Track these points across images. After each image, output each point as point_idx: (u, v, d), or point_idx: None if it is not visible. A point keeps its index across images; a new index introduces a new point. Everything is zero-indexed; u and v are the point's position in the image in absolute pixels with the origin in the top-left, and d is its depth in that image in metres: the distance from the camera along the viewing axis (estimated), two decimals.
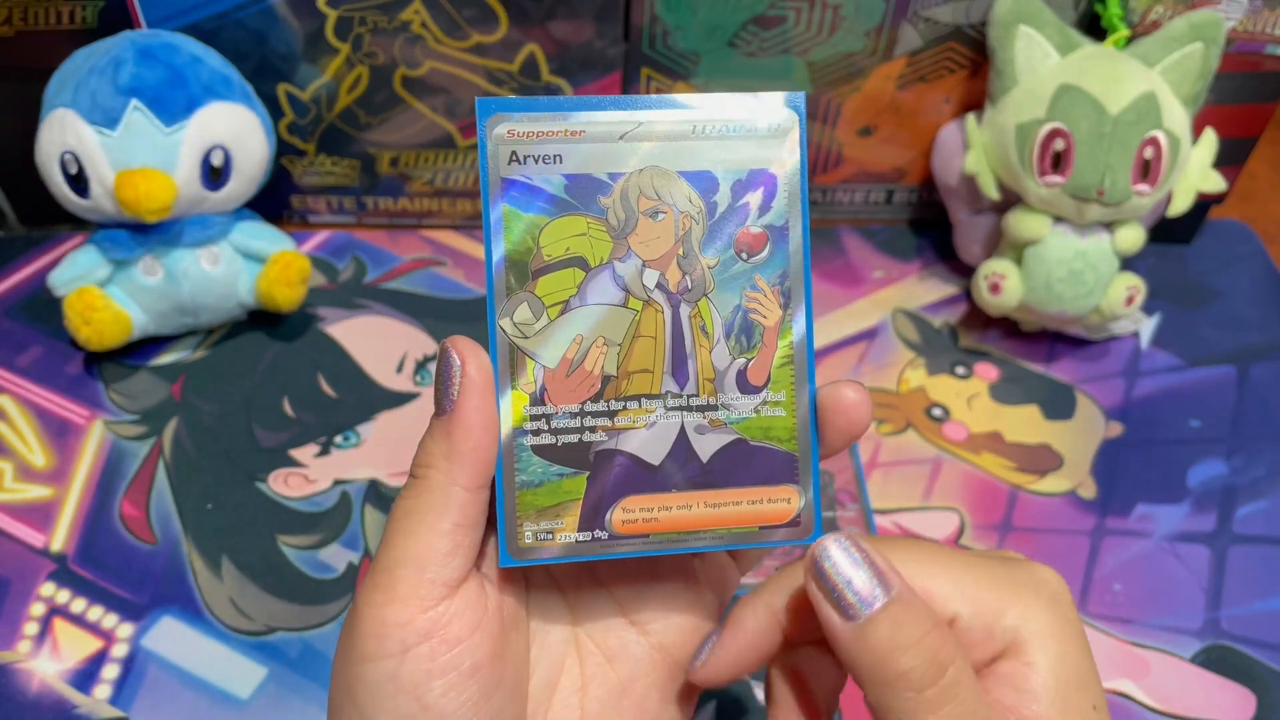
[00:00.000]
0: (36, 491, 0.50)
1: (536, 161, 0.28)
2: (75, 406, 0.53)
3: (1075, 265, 0.53)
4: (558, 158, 0.28)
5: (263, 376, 0.55)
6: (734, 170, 0.28)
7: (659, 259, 0.28)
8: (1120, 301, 0.54)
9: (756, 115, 0.28)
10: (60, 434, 0.52)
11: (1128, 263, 0.56)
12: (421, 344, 0.57)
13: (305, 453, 0.52)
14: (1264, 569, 0.49)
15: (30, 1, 0.52)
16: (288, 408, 0.53)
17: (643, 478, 0.28)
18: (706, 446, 0.29)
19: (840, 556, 0.26)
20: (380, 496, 0.50)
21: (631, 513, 0.28)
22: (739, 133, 0.28)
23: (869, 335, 0.58)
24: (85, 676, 0.44)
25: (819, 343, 0.58)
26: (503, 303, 0.28)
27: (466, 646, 0.27)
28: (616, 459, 0.28)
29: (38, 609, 0.46)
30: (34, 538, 0.48)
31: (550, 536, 0.28)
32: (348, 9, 0.54)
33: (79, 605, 0.46)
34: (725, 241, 0.28)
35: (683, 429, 0.29)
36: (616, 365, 0.28)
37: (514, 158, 0.28)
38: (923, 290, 0.61)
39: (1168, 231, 0.61)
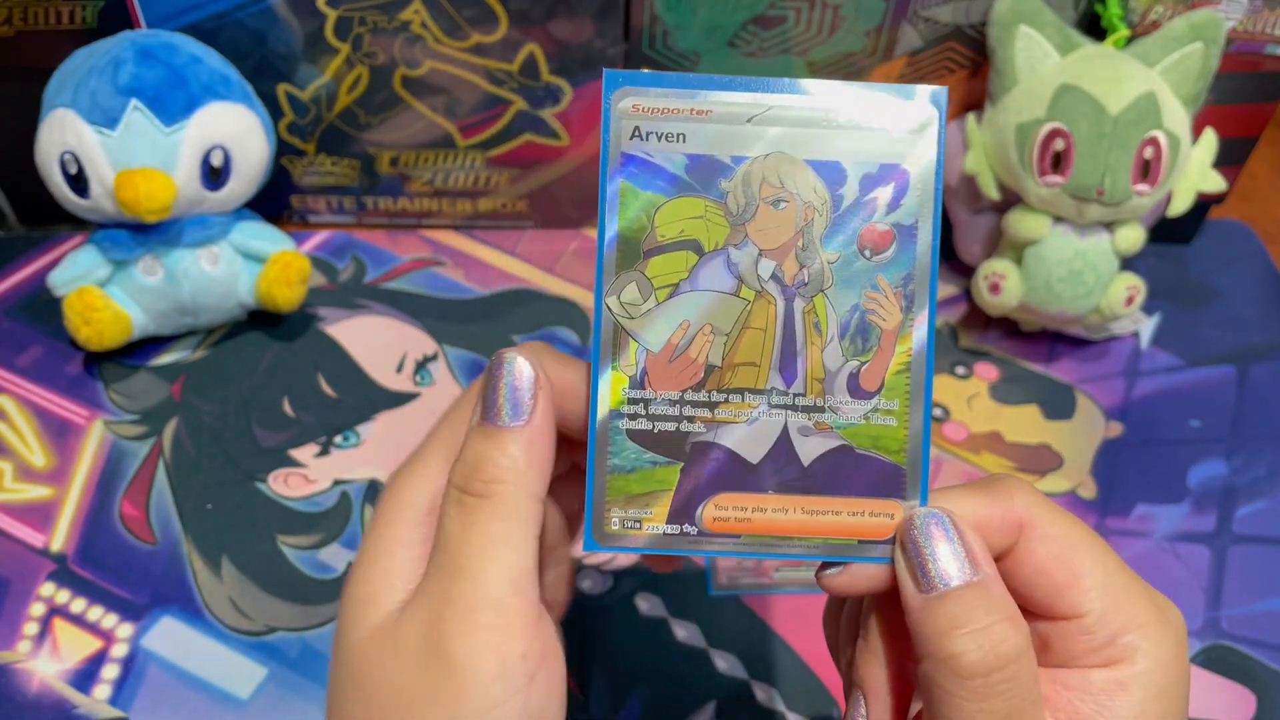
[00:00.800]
0: (36, 491, 0.50)
1: (659, 139, 0.27)
2: (75, 406, 0.53)
3: (1075, 265, 0.53)
4: (681, 136, 0.27)
5: (263, 377, 0.55)
6: (864, 163, 0.27)
7: (777, 249, 0.27)
8: (1120, 301, 0.54)
9: (894, 108, 0.27)
10: (60, 434, 0.52)
11: (1128, 263, 0.56)
12: (421, 344, 0.57)
13: (305, 453, 0.52)
14: (1264, 569, 0.49)
15: (30, 1, 0.52)
16: (287, 408, 0.53)
17: (739, 475, 0.27)
18: (809, 449, 0.27)
19: (935, 530, 0.26)
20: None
21: (725, 510, 0.27)
22: (873, 125, 0.27)
23: None
24: (85, 676, 0.44)
25: None
26: (611, 280, 0.27)
27: (561, 652, 0.27)
28: (713, 452, 0.27)
29: (37, 609, 0.46)
30: (34, 538, 0.48)
31: (638, 525, 0.27)
32: (347, 9, 0.54)
33: (79, 605, 0.46)
34: (848, 237, 0.27)
35: (785, 429, 0.27)
36: (722, 355, 0.27)
37: (636, 133, 0.27)
38: None
39: (1168, 231, 0.61)
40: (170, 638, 0.45)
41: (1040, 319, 0.56)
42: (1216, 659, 0.46)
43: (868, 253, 0.27)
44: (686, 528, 0.27)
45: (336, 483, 0.50)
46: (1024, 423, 0.55)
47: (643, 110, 0.27)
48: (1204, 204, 0.61)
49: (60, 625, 0.45)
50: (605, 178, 0.27)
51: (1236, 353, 0.58)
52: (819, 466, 0.27)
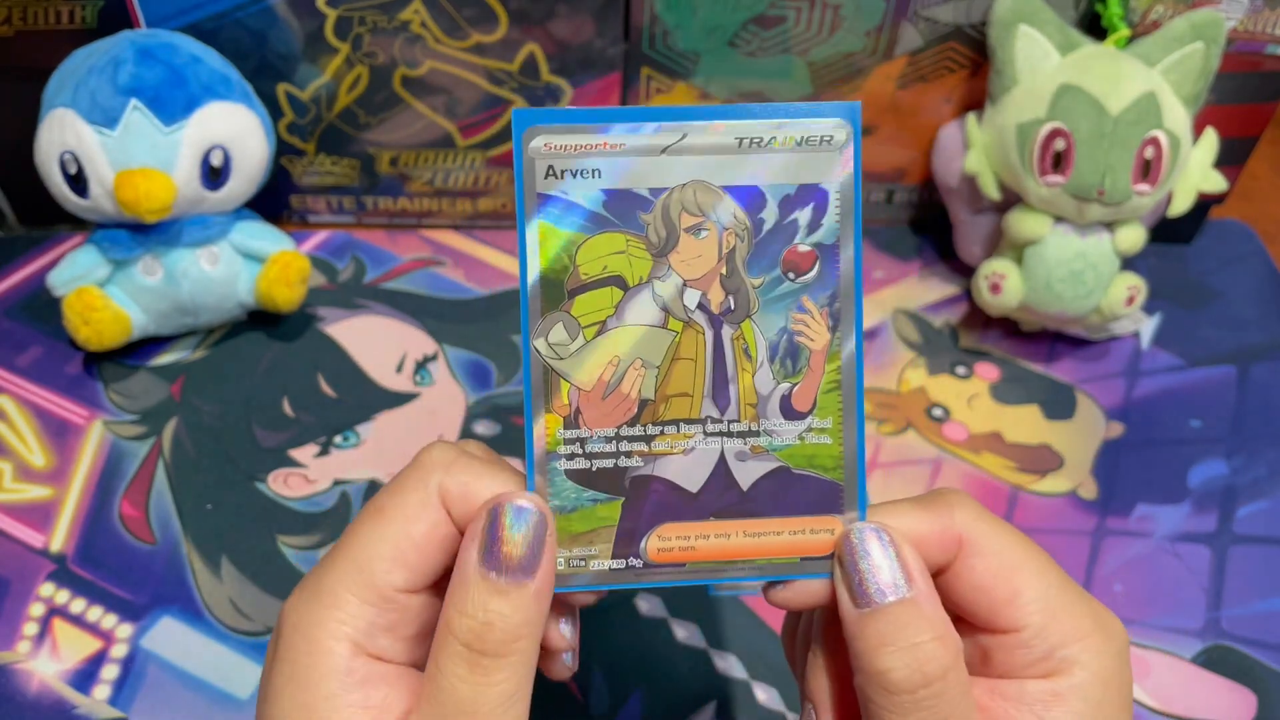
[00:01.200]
0: (36, 491, 0.50)
1: (574, 176, 0.27)
2: (75, 406, 0.53)
3: (1075, 265, 0.53)
4: (596, 172, 0.27)
5: (262, 376, 0.55)
6: (782, 185, 0.27)
7: (701, 278, 0.27)
8: (1121, 301, 0.54)
9: (808, 127, 0.27)
10: (60, 434, 0.52)
11: (1128, 263, 0.56)
12: (421, 344, 0.57)
13: (305, 453, 0.52)
14: (1265, 569, 0.49)
15: (30, 1, 0.52)
16: (287, 408, 0.53)
17: (680, 505, 0.27)
18: (747, 474, 0.28)
19: (870, 546, 0.26)
20: None
21: (668, 540, 0.27)
22: (788, 145, 0.27)
23: (869, 335, 0.58)
24: (85, 677, 0.44)
25: None
26: (537, 322, 0.27)
27: None
28: (653, 485, 0.27)
29: (37, 609, 0.46)
30: (33, 538, 0.48)
31: (583, 564, 0.27)
32: (347, 9, 0.54)
33: (78, 605, 0.46)
34: (771, 260, 0.27)
35: (722, 455, 0.27)
36: (654, 389, 0.27)
37: (551, 172, 0.27)
38: (923, 290, 0.61)
39: (1168, 231, 0.61)
40: (170, 638, 0.45)
41: (1041, 319, 0.56)
42: (1217, 659, 0.46)
43: (792, 275, 0.27)
44: (632, 561, 0.27)
45: (336, 483, 0.50)
46: (1024, 423, 0.55)
47: (555, 149, 0.27)
48: (1204, 204, 0.61)
49: (60, 625, 0.45)
50: (523, 221, 0.27)
51: (1237, 353, 0.58)
52: (758, 490, 0.28)
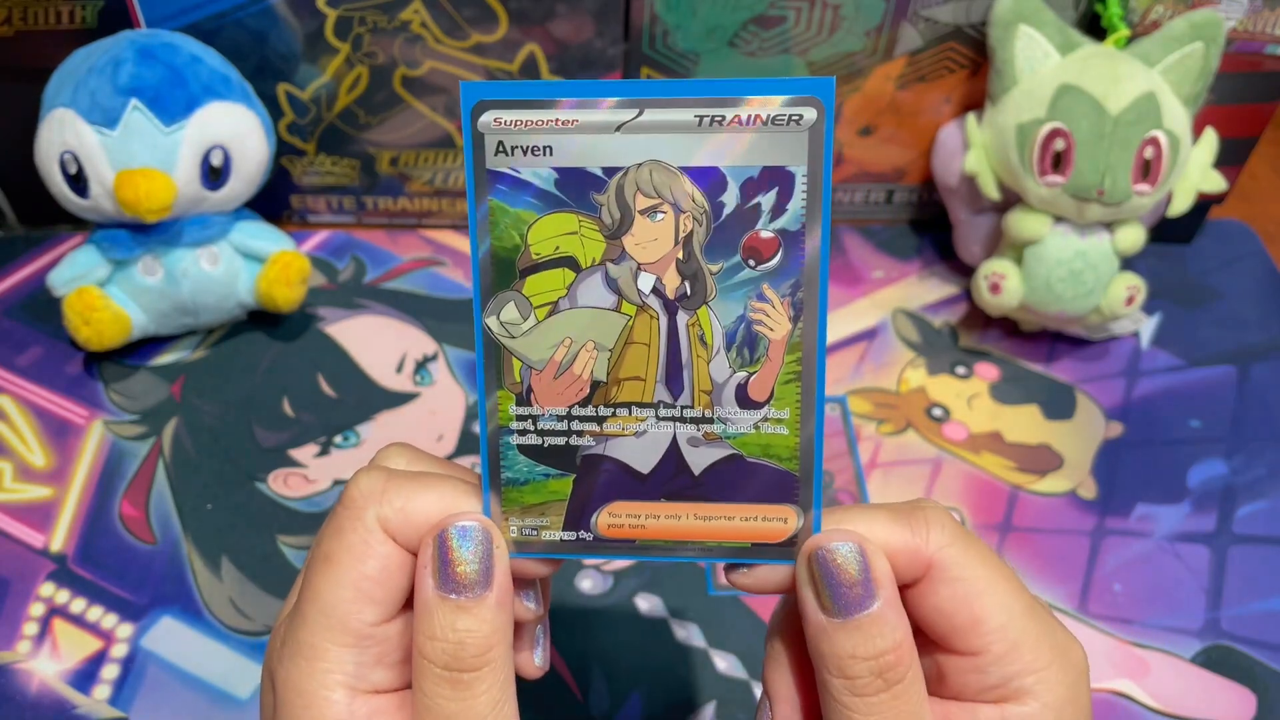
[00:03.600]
0: (36, 491, 0.50)
1: (525, 153, 0.26)
2: (75, 406, 0.53)
3: (1075, 265, 0.53)
4: (548, 149, 0.26)
5: (262, 376, 0.55)
6: (745, 167, 0.26)
7: (656, 262, 0.26)
8: (1120, 301, 0.54)
9: (776, 104, 0.25)
10: (60, 434, 0.52)
11: (1128, 263, 0.56)
12: (421, 344, 0.57)
13: (305, 453, 0.52)
14: (1264, 569, 0.49)
15: (30, 1, 0.52)
16: (287, 408, 0.53)
17: (630, 485, 0.27)
18: (699, 459, 0.27)
19: (843, 557, 0.27)
20: None
21: (618, 518, 0.28)
22: (753, 124, 0.25)
23: (869, 335, 0.58)
24: (85, 677, 0.44)
25: None
26: (489, 300, 0.27)
27: None
28: (604, 465, 0.27)
29: (37, 609, 0.46)
30: (33, 538, 0.48)
31: (535, 533, 0.28)
32: (347, 9, 0.54)
33: (78, 605, 0.46)
34: (731, 246, 0.26)
35: (675, 440, 0.27)
36: (606, 371, 0.27)
37: (501, 149, 0.26)
38: (923, 290, 0.61)
39: (1168, 231, 0.61)
40: (170, 638, 0.45)
41: (1040, 319, 0.56)
42: (1217, 659, 0.46)
43: (752, 262, 0.26)
44: (582, 535, 0.28)
45: (336, 483, 0.50)
46: (1024, 423, 0.55)
47: (505, 125, 0.26)
48: (1204, 204, 0.61)
49: (60, 625, 0.45)
50: (473, 198, 0.26)
51: (1237, 353, 0.58)
52: (710, 475, 0.27)
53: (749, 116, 0.25)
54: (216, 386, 0.54)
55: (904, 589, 0.28)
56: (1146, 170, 0.51)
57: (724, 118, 0.25)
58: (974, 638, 0.27)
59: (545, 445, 0.27)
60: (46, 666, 0.44)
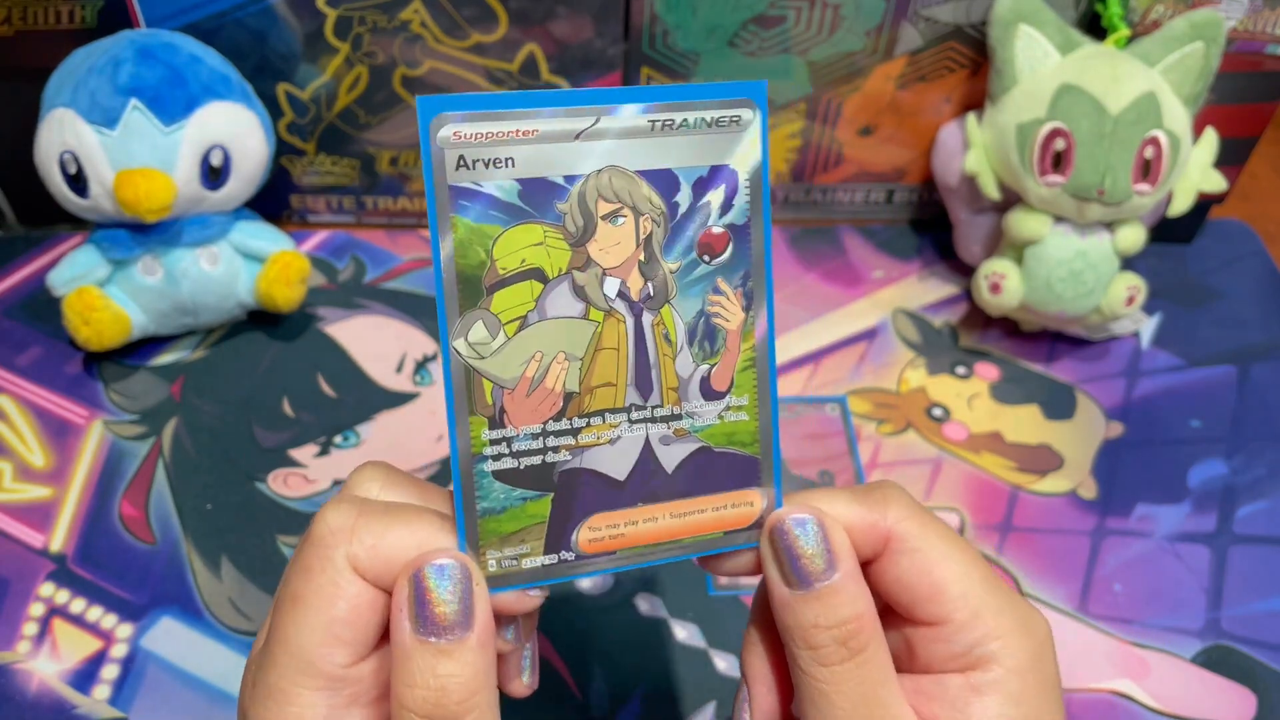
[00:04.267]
0: (36, 491, 0.50)
1: (486, 166, 0.25)
2: (74, 406, 0.53)
3: (1075, 265, 0.53)
4: (509, 160, 0.25)
5: (262, 376, 0.55)
6: (695, 168, 0.27)
7: (620, 266, 0.27)
8: (1121, 301, 0.54)
9: (716, 108, 0.27)
10: (59, 434, 0.52)
11: (1128, 262, 0.56)
12: (421, 344, 0.57)
13: (305, 453, 0.52)
14: (1264, 569, 0.49)
15: (30, 1, 0.52)
16: (287, 408, 0.53)
17: (608, 495, 0.27)
18: (671, 457, 0.28)
19: (802, 532, 0.27)
20: None
21: (598, 531, 0.27)
22: (699, 127, 0.27)
23: (869, 335, 0.58)
24: (84, 677, 0.43)
25: (819, 343, 0.58)
26: (455, 323, 0.26)
27: None
28: (581, 478, 0.27)
29: (37, 609, 0.46)
30: (33, 538, 0.48)
31: (516, 563, 0.27)
32: (347, 8, 0.54)
33: (78, 605, 0.46)
34: (687, 244, 0.27)
35: (647, 441, 0.28)
36: (579, 381, 0.27)
37: (461, 162, 0.25)
38: (923, 290, 0.61)
39: (1168, 231, 0.61)
40: (170, 638, 0.45)
41: (1041, 319, 0.56)
42: (1217, 659, 0.46)
43: (706, 257, 0.27)
44: (564, 555, 0.27)
45: (336, 483, 0.50)
46: (1024, 423, 0.55)
47: (465, 137, 0.25)
48: (1204, 204, 0.61)
49: (60, 625, 0.45)
50: (434, 216, 0.25)
51: (1237, 353, 0.58)
52: (682, 471, 0.28)
53: (695, 119, 0.26)
54: (216, 386, 0.54)
55: (866, 564, 0.28)
56: (1147, 170, 0.51)
57: (674, 122, 0.26)
58: (936, 606, 0.28)
59: (521, 467, 0.27)
60: (46, 666, 0.44)
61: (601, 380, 0.27)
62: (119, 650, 0.44)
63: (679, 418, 0.28)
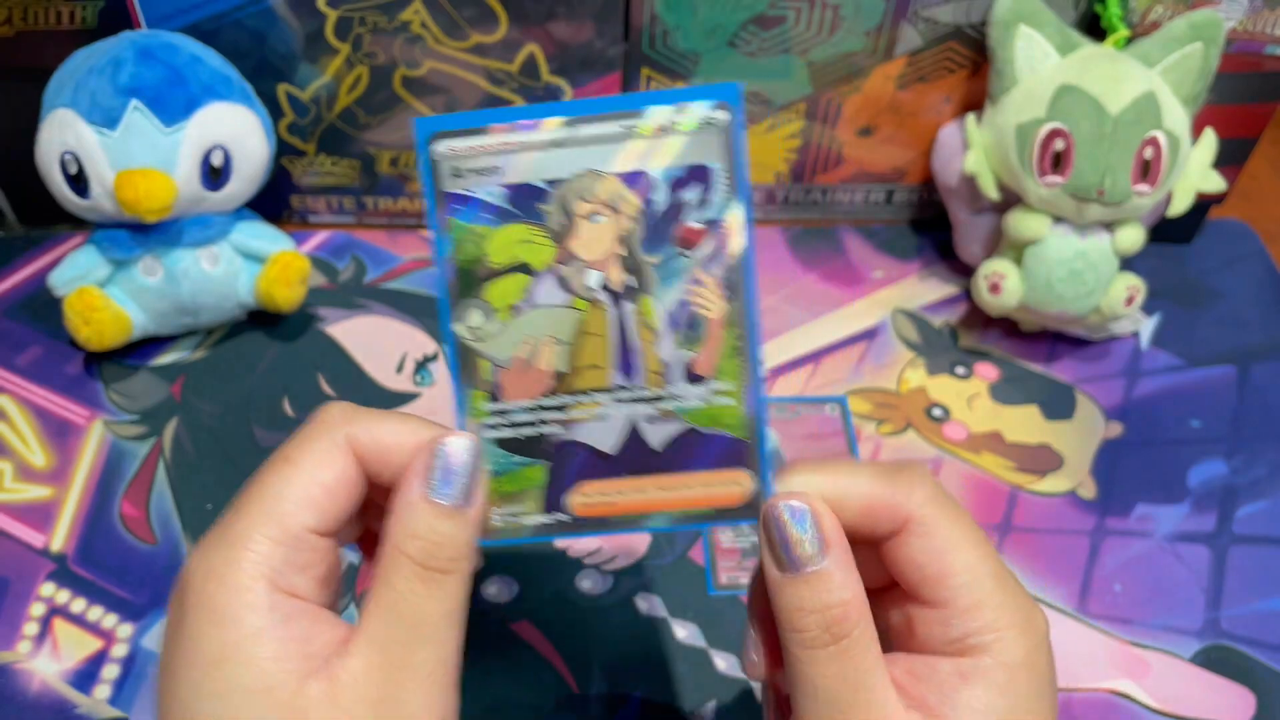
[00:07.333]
0: (36, 491, 0.50)
1: (477, 175, 0.29)
2: (75, 406, 0.53)
3: (1075, 265, 0.53)
4: (497, 169, 0.29)
5: (263, 376, 0.55)
6: (671, 168, 0.29)
7: (601, 260, 0.30)
8: (1120, 301, 0.54)
9: (692, 111, 0.29)
10: (60, 434, 0.52)
11: (1128, 263, 0.56)
12: (421, 344, 0.57)
13: None
14: (1264, 569, 0.49)
15: (30, 1, 0.52)
16: (288, 408, 0.54)
17: (599, 465, 0.30)
18: (658, 436, 0.30)
19: (793, 516, 0.29)
20: None
21: (590, 497, 0.30)
22: (675, 129, 0.29)
23: (869, 335, 0.58)
24: (85, 677, 0.44)
25: (819, 343, 0.58)
26: (455, 309, 0.30)
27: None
28: (573, 449, 0.30)
29: (37, 609, 0.46)
30: (34, 538, 0.48)
31: (516, 519, 0.30)
32: (347, 9, 0.54)
33: (79, 605, 0.46)
34: (666, 238, 0.29)
35: (634, 420, 0.30)
36: (567, 362, 0.30)
37: (455, 172, 0.29)
38: (923, 290, 0.61)
39: (1168, 231, 0.61)
40: None
41: (1040, 319, 0.56)
42: (1216, 659, 0.46)
43: (685, 251, 0.30)
44: (559, 516, 0.30)
45: None
46: (1024, 423, 0.55)
47: (458, 151, 0.29)
48: (1204, 204, 0.61)
49: (60, 625, 0.45)
50: (434, 219, 0.29)
51: (1237, 353, 0.58)
52: (669, 449, 0.30)
53: (670, 123, 0.29)
54: (216, 386, 0.54)
55: (883, 540, 0.30)
56: (1146, 170, 0.52)
57: (650, 127, 0.29)
58: (941, 589, 0.29)
59: (518, 436, 0.30)
60: (47, 666, 0.44)
61: (588, 362, 0.30)
62: (120, 650, 0.44)
63: (663, 399, 0.30)
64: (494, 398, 0.30)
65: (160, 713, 0.27)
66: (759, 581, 0.31)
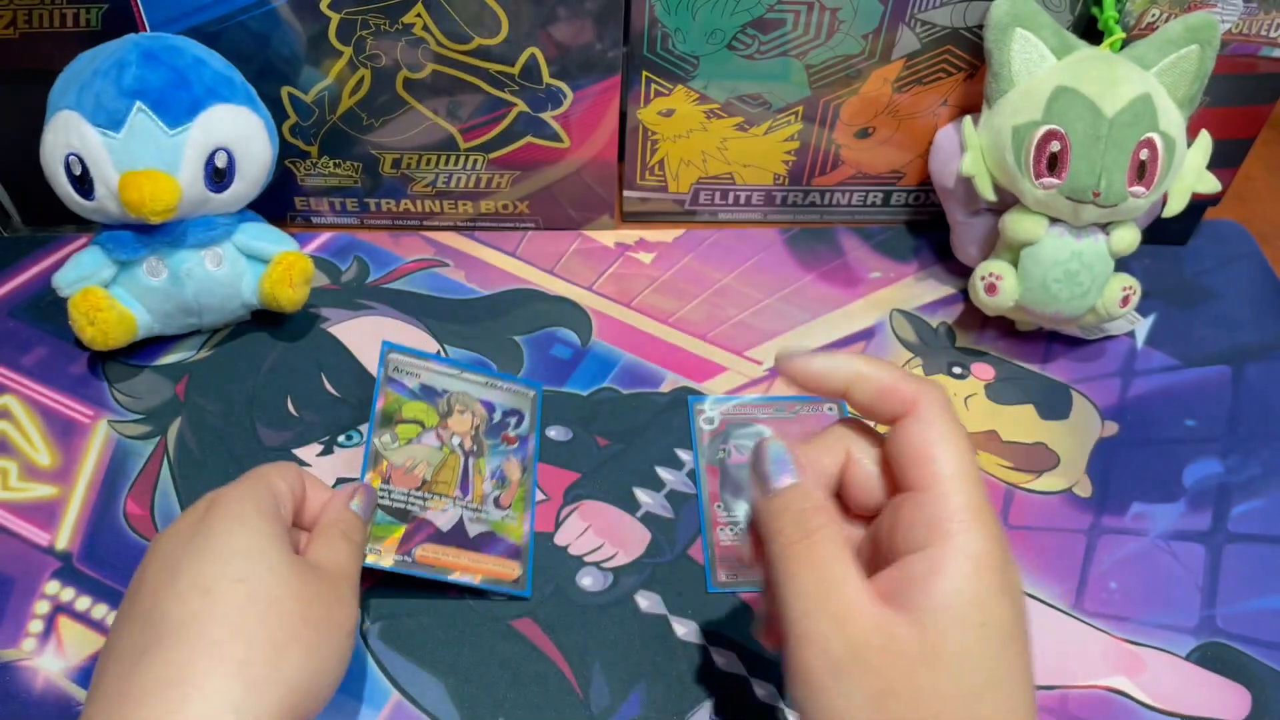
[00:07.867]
0: (41, 490, 0.50)
1: (406, 375, 0.51)
2: (80, 406, 0.54)
3: (1071, 266, 0.53)
4: (417, 374, 0.51)
5: (266, 376, 0.55)
6: (505, 405, 0.53)
7: (462, 434, 0.50)
8: (1116, 302, 0.55)
9: (518, 386, 0.54)
10: (65, 433, 0.52)
11: (1123, 263, 0.56)
12: (423, 345, 0.57)
13: (308, 452, 0.52)
14: (1259, 567, 0.49)
15: (34, 4, 0.53)
16: (291, 407, 0.54)
17: (436, 536, 0.47)
18: (474, 530, 0.48)
19: (773, 453, 0.36)
20: None
21: (427, 552, 0.46)
22: (509, 389, 0.54)
23: (866, 335, 0.59)
24: (89, 674, 0.44)
25: (817, 343, 0.58)
26: (377, 431, 0.49)
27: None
28: (423, 523, 0.47)
29: (42, 607, 0.46)
30: (39, 536, 0.48)
31: (379, 553, 0.45)
32: (350, 12, 0.54)
33: (83, 603, 0.46)
34: (496, 435, 0.51)
35: (462, 518, 0.48)
36: (431, 476, 0.48)
37: (396, 371, 0.51)
38: (920, 291, 0.61)
39: (1163, 232, 0.62)
40: None
41: (1036, 319, 0.56)
42: (1212, 657, 0.46)
43: (504, 445, 0.51)
44: (405, 558, 0.46)
45: (339, 481, 0.51)
46: (1020, 422, 0.55)
47: (399, 362, 0.51)
48: (1199, 205, 0.61)
49: (65, 623, 0.46)
50: (378, 388, 0.50)
51: (1231, 353, 0.59)
52: (478, 539, 0.47)
53: (505, 386, 0.54)
54: (220, 386, 0.55)
55: (892, 421, 0.35)
56: (1142, 172, 0.52)
57: (498, 384, 0.54)
58: (924, 470, 0.33)
59: (394, 506, 0.47)
60: (51, 664, 0.44)
61: (443, 480, 0.49)
62: None
63: (481, 511, 0.48)
64: (386, 482, 0.47)
65: (167, 587, 0.36)
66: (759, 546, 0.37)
